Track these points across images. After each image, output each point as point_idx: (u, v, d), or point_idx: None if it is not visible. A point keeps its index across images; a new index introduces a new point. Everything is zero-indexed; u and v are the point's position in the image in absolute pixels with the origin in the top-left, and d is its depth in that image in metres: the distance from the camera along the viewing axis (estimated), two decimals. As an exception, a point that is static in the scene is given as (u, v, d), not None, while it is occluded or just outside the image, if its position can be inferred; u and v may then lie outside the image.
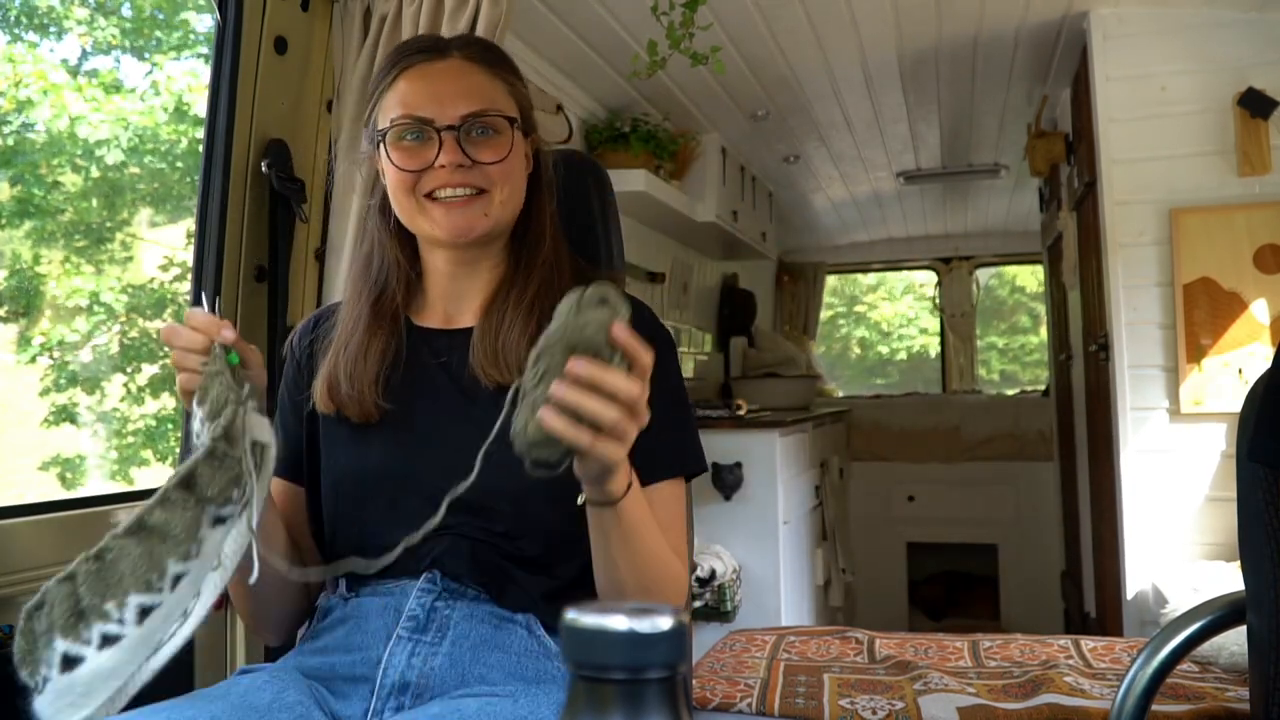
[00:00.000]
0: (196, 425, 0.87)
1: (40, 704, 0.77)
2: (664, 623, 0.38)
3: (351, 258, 1.75)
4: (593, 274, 1.15)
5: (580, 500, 0.91)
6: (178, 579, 0.80)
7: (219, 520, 0.82)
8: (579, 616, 0.38)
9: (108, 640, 0.77)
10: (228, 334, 0.89)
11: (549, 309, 1.04)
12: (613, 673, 0.38)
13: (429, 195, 1.03)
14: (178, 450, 1.72)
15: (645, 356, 0.82)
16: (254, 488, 0.83)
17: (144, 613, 0.79)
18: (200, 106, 3.74)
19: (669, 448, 1.04)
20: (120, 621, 0.78)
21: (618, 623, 0.38)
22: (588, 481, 0.88)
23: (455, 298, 1.11)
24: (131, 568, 0.78)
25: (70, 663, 0.76)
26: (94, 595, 0.77)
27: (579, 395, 0.79)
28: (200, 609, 0.82)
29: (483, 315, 1.07)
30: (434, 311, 1.12)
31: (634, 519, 0.92)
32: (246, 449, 0.83)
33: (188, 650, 1.55)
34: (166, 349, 0.91)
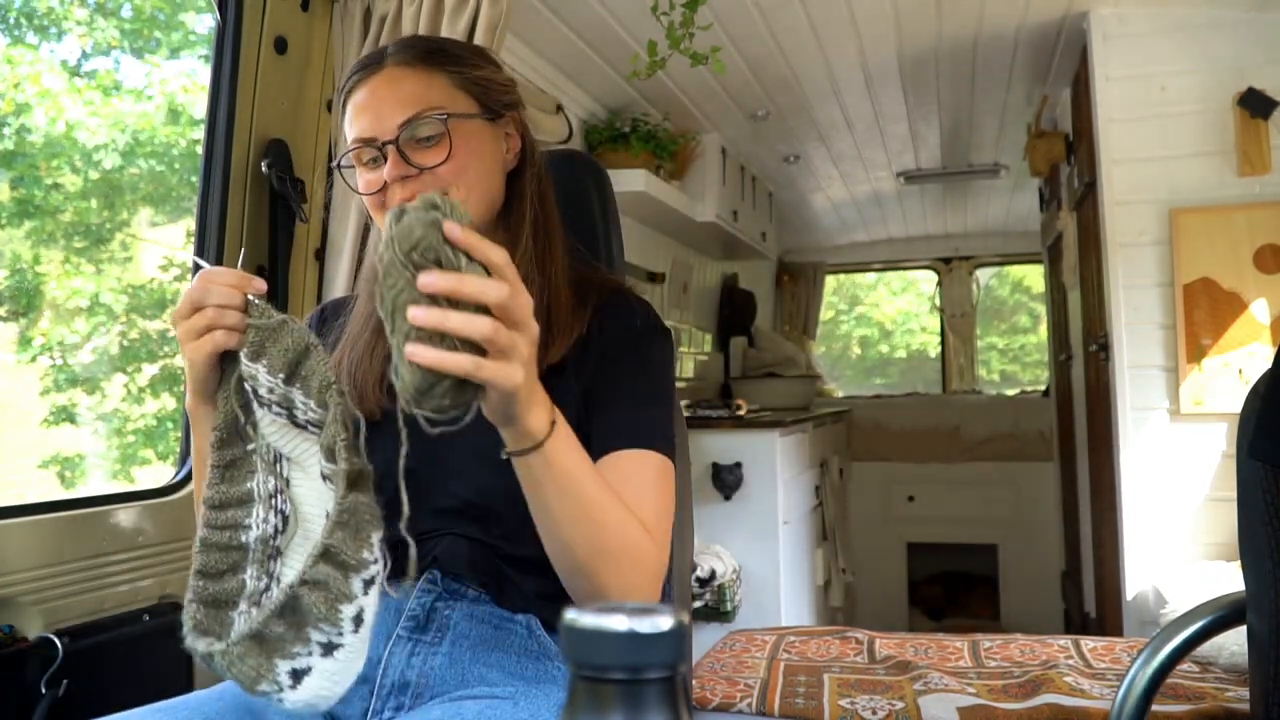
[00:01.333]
0: (263, 378, 0.86)
1: (313, 682, 0.79)
2: (664, 622, 0.38)
3: (361, 258, 1.76)
4: (585, 259, 1.15)
5: (504, 454, 0.84)
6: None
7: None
8: (578, 616, 0.38)
9: (368, 584, 0.80)
10: (260, 284, 0.88)
11: (536, 310, 1.03)
12: (612, 673, 0.38)
13: None
14: (178, 450, 1.72)
15: (496, 253, 0.74)
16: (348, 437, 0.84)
17: (380, 545, 0.82)
18: (196, 107, 3.75)
19: (638, 420, 1.00)
20: (376, 561, 0.80)
21: (617, 622, 0.37)
22: (500, 424, 0.82)
23: None
24: (368, 513, 0.81)
25: (358, 620, 0.79)
26: (353, 554, 0.79)
27: (439, 313, 0.71)
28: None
29: None
30: None
31: (568, 466, 0.86)
32: (335, 395, 0.84)
33: (187, 650, 1.56)
34: (173, 332, 0.91)
